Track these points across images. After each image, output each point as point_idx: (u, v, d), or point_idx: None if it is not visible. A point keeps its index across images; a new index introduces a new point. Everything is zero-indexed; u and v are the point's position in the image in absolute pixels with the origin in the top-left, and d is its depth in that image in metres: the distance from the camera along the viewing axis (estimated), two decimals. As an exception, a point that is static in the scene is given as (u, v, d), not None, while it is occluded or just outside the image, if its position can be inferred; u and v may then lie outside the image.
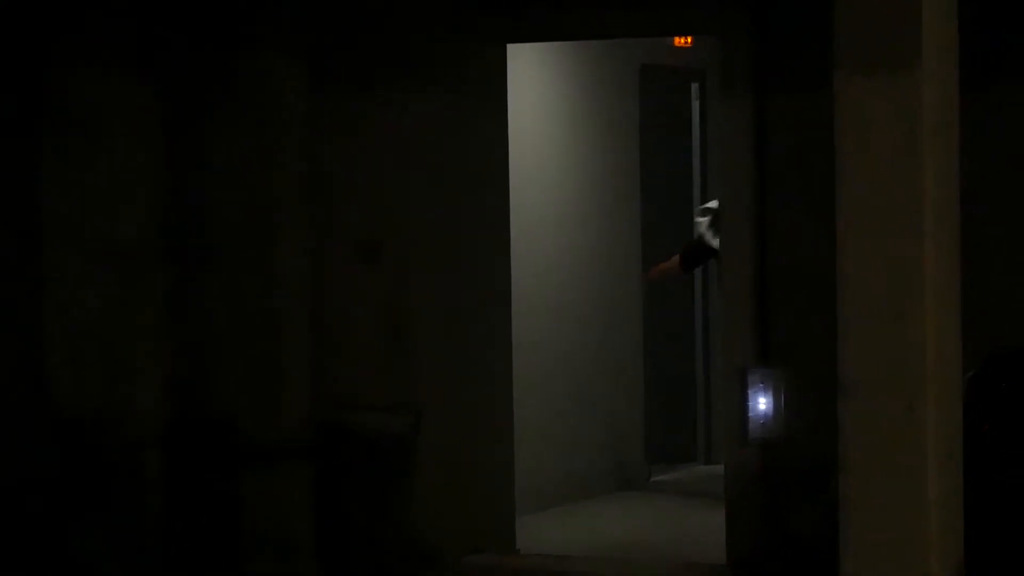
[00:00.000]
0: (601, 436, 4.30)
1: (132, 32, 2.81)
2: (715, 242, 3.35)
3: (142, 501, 2.85)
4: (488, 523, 3.07)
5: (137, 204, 2.87)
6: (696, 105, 4.88)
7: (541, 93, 3.95)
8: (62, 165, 2.83)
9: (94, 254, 2.83)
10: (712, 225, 3.50)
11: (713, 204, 3.57)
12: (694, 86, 4.88)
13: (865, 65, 1.69)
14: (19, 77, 2.80)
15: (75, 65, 2.82)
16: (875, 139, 1.65)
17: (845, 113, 1.71)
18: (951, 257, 1.69)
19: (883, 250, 1.64)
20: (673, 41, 4.51)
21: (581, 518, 3.95)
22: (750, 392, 2.56)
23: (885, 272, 1.63)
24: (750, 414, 2.54)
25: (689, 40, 4.45)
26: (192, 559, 2.83)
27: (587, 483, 4.18)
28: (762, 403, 2.54)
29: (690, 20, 3.20)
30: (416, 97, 2.89)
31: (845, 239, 1.67)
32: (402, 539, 2.92)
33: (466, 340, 3.02)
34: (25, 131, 2.83)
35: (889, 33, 1.64)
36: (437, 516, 2.97)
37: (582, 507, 4.10)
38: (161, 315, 2.87)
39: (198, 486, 2.88)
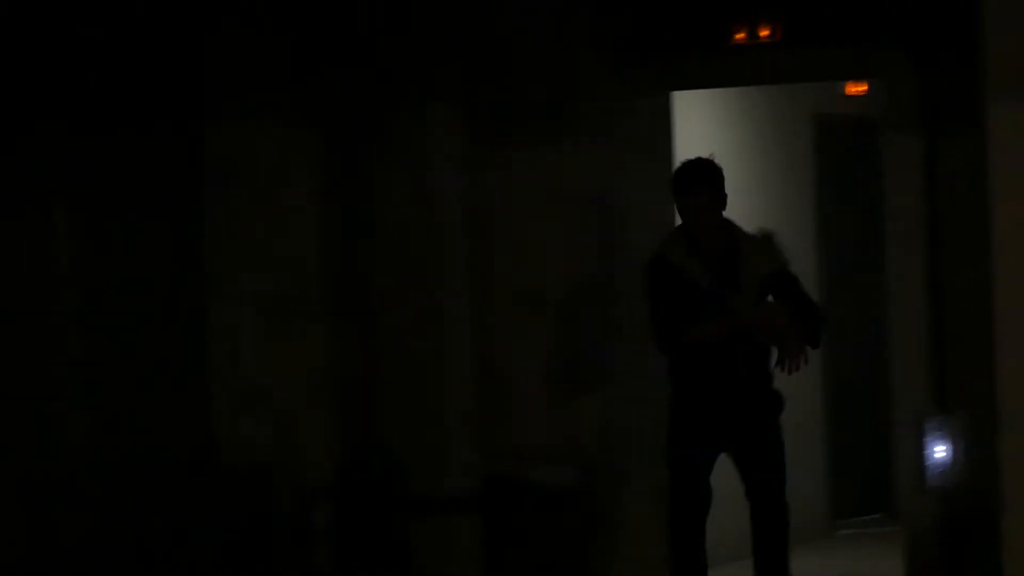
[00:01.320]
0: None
1: (291, 87, 2.98)
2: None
3: (310, 550, 3.00)
4: None
5: (299, 255, 3.02)
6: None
7: (711, 139, 3.97)
8: (226, 220, 2.97)
9: (258, 306, 2.97)
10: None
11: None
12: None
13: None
14: (186, 135, 2.97)
15: (238, 123, 2.96)
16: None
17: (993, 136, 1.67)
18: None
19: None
20: (845, 89, 4.45)
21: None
22: (927, 439, 2.44)
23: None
24: (927, 461, 2.42)
25: (863, 87, 4.37)
26: None
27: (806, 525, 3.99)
28: (939, 450, 2.41)
29: (853, 63, 3.17)
30: (574, 145, 3.03)
31: (996, 271, 1.62)
32: None
33: (635, 389, 3.11)
34: (189, 188, 2.99)
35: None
36: (607, 572, 3.03)
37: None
38: (325, 366, 3.02)
39: (366, 535, 3.01)
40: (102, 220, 2.97)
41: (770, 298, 2.37)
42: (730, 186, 4.15)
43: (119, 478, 2.91)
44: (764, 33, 3.19)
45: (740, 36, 3.17)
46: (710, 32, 3.10)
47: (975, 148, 2.14)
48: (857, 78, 3.81)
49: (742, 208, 4.37)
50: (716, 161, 2.41)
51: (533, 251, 3.08)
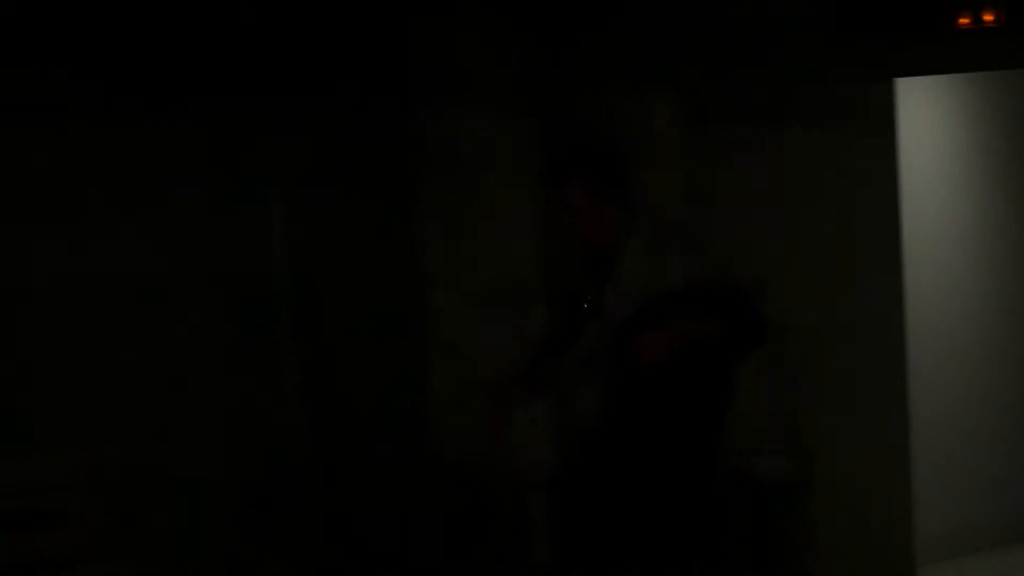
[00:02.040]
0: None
1: (511, 77, 3.00)
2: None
3: (524, 541, 2.94)
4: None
5: (514, 246, 3.03)
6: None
7: (937, 128, 3.96)
8: (443, 211, 2.99)
9: (475, 297, 2.97)
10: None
11: None
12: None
13: None
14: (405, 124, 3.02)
15: (454, 112, 2.97)
16: None
17: None
18: None
19: None
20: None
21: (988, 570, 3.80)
22: None
23: None
24: None
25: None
26: None
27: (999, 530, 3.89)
28: None
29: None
30: (798, 132, 2.96)
31: None
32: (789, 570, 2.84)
33: (860, 384, 2.94)
34: (407, 177, 3.01)
35: None
36: (829, 562, 2.86)
37: (988, 558, 3.91)
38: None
39: (576, 527, 2.96)
40: (322, 209, 3.07)
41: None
42: (950, 179, 4.09)
43: (340, 469, 2.96)
44: (988, 18, 3.12)
45: (964, 21, 3.09)
46: (934, 17, 3.01)
47: None
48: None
49: (965, 202, 4.30)
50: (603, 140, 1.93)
51: (755, 242, 2.98)
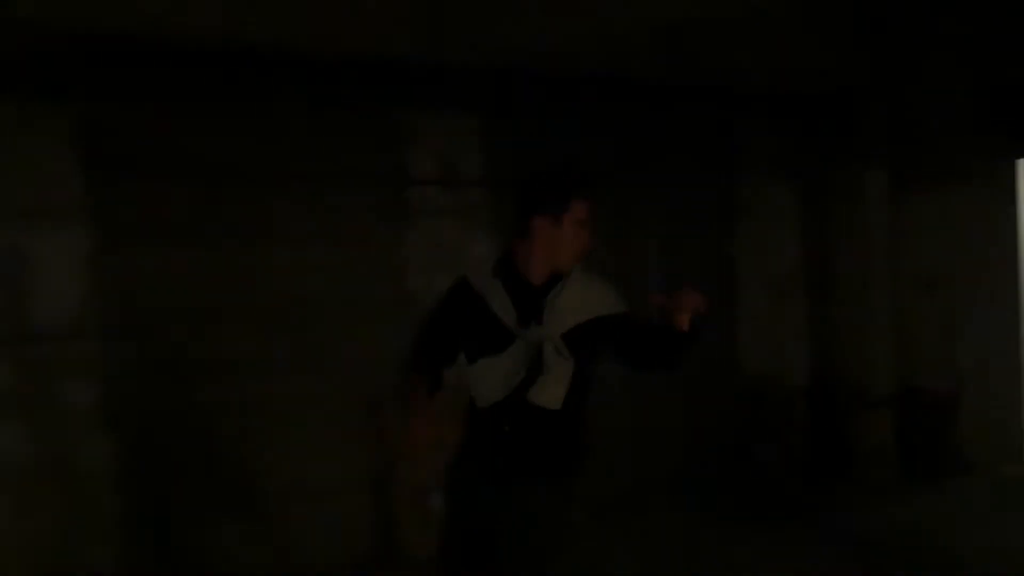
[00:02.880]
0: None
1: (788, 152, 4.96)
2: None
3: (790, 431, 5.00)
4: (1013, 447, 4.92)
5: (789, 248, 5.00)
6: None
7: None
8: (746, 242, 4.94)
9: (763, 285, 4.97)
10: None
11: None
12: None
13: None
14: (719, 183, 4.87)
15: (754, 176, 4.91)
16: None
17: None
18: None
19: None
20: None
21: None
22: None
23: None
24: None
25: None
26: (820, 470, 4.88)
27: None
28: None
29: None
30: (955, 196, 4.79)
31: None
32: (950, 456, 4.80)
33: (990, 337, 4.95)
34: (723, 221, 4.91)
35: None
36: (973, 443, 4.82)
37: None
38: (802, 323, 5.08)
39: (825, 422, 4.96)
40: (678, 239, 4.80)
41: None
42: None
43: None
44: None
45: None
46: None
47: None
48: None
49: None
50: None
51: (928, 256, 4.91)
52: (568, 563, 2.05)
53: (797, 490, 4.76)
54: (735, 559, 3.72)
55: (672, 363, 2.00)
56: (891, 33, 4.70)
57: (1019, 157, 4.95)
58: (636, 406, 4.35)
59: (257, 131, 3.52)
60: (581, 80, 4.09)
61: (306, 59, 3.42)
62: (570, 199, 1.99)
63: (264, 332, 3.52)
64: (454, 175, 4.08)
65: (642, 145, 4.54)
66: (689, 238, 4.78)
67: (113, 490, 3.28)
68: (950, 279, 4.87)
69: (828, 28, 4.58)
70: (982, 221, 4.93)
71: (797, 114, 4.95)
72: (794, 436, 5.00)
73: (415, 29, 3.40)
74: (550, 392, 1.96)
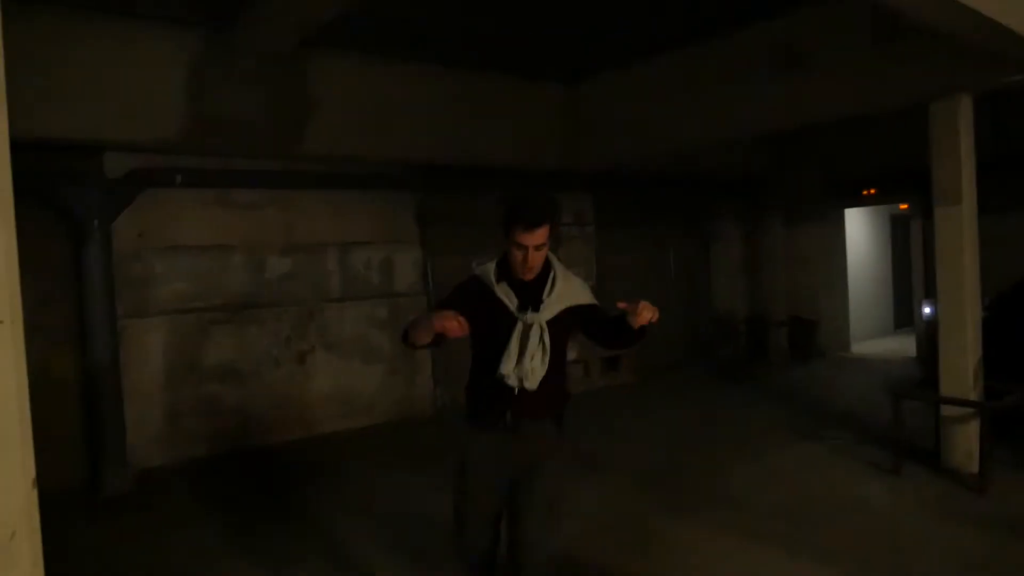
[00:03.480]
0: None
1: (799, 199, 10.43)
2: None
3: (737, 340, 10.36)
4: (842, 344, 10.23)
5: (736, 253, 10.42)
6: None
7: (856, 226, 11.12)
8: (719, 254, 10.44)
9: (724, 270, 10.38)
10: None
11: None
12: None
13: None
14: (700, 225, 10.49)
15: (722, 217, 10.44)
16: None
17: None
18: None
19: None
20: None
21: None
22: None
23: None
24: None
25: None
26: (752, 359, 10.22)
27: None
28: None
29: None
30: (813, 226, 10.10)
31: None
32: (813, 350, 10.11)
33: (833, 289, 10.23)
34: (704, 243, 10.44)
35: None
36: (824, 343, 10.15)
37: None
38: (743, 287, 10.44)
39: (754, 335, 10.30)
40: (685, 251, 10.30)
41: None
42: (865, 243, 11.37)
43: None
44: (870, 192, 10.27)
45: (868, 192, 10.23)
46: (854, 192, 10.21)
47: None
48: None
49: (869, 251, 11.72)
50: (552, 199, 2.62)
51: (797, 263, 10.27)
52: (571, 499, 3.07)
53: (740, 369, 10.02)
54: (711, 396, 8.88)
55: (626, 346, 2.69)
56: (780, 149, 9.99)
57: (845, 208, 10.31)
58: (670, 330, 9.71)
59: (492, 204, 8.72)
60: (642, 174, 9.37)
61: (508, 170, 8.56)
62: (511, 226, 2.53)
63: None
64: (580, 220, 9.35)
65: (669, 205, 9.87)
66: (690, 250, 10.15)
67: (430, 363, 8.44)
68: (814, 261, 10.16)
69: (752, 152, 9.86)
70: (828, 234, 10.26)
71: (740, 190, 10.28)
72: (739, 342, 10.34)
73: (563, 154, 8.60)
74: (536, 363, 2.54)
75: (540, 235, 2.53)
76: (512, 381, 2.55)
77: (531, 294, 2.62)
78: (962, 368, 5.07)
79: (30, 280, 5.85)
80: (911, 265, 10.23)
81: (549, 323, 2.57)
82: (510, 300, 2.59)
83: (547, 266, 2.68)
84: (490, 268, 2.67)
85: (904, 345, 10.70)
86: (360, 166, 7.05)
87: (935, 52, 4.78)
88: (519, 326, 2.56)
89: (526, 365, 2.54)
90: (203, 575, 4.02)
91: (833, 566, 3.82)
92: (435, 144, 6.70)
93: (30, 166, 5.24)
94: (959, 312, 5.10)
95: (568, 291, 2.64)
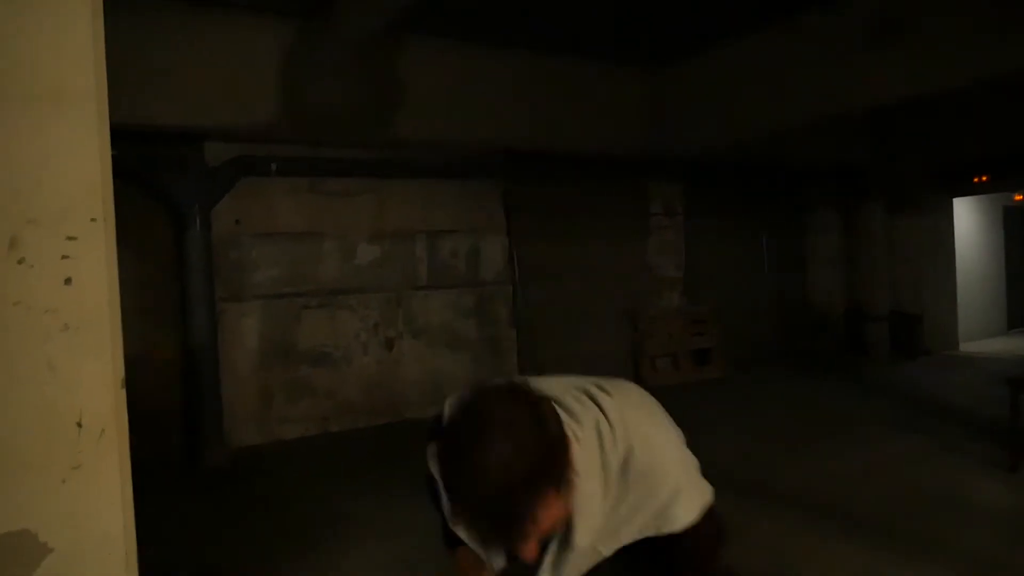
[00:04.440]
0: None
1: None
2: None
3: (836, 333, 9.92)
4: (950, 342, 9.66)
5: (835, 243, 9.98)
6: None
7: (966, 219, 10.47)
8: (814, 243, 10.05)
9: (821, 262, 9.97)
10: None
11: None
12: None
13: None
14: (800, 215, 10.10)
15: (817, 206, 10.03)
16: None
17: None
18: None
19: None
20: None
21: None
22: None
23: None
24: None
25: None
26: (851, 353, 9.75)
27: None
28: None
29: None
30: (917, 216, 9.56)
31: None
32: (918, 347, 9.56)
33: (940, 286, 9.66)
34: (799, 231, 10.05)
35: None
36: (930, 340, 9.57)
37: None
38: (841, 281, 9.99)
39: (854, 329, 9.84)
40: (782, 239, 9.95)
41: None
42: (975, 233, 10.81)
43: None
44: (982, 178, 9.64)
45: (980, 179, 9.62)
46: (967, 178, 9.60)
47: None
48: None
49: (978, 241, 11.02)
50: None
51: (914, 256, 9.70)
52: None
53: (839, 362, 9.57)
54: (806, 392, 8.53)
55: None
56: (883, 137, 9.50)
57: (953, 197, 9.70)
58: (761, 323, 9.38)
59: (579, 192, 8.59)
60: (734, 162, 9.09)
61: (596, 156, 8.42)
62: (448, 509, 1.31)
63: (581, 280, 8.58)
64: (671, 210, 9.14)
65: (763, 195, 9.55)
66: (785, 241, 9.80)
67: (515, 353, 8.33)
68: (919, 253, 9.62)
69: (854, 137, 9.42)
70: (935, 228, 9.68)
71: (839, 177, 9.83)
72: (836, 336, 9.88)
73: (652, 140, 8.41)
74: None
75: (531, 532, 1.22)
76: None
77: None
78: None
79: (135, 262, 6.06)
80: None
81: None
82: (485, 553, 1.48)
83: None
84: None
85: (1020, 345, 9.98)
86: (448, 154, 7.11)
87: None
88: None
89: None
90: (301, 542, 4.10)
91: (945, 567, 3.56)
92: (522, 129, 6.69)
93: (135, 153, 5.51)
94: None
95: (627, 523, 1.41)
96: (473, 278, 7.58)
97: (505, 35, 6.30)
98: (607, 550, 1.38)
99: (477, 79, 6.40)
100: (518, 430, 1.13)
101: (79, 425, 1.14)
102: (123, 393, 1.19)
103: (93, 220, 1.15)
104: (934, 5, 5.16)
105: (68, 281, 1.13)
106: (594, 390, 1.43)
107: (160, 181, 5.82)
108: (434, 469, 1.35)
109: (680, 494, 1.40)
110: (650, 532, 1.38)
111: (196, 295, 5.93)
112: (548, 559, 1.38)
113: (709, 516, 1.43)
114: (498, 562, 1.43)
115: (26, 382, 1.10)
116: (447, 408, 1.40)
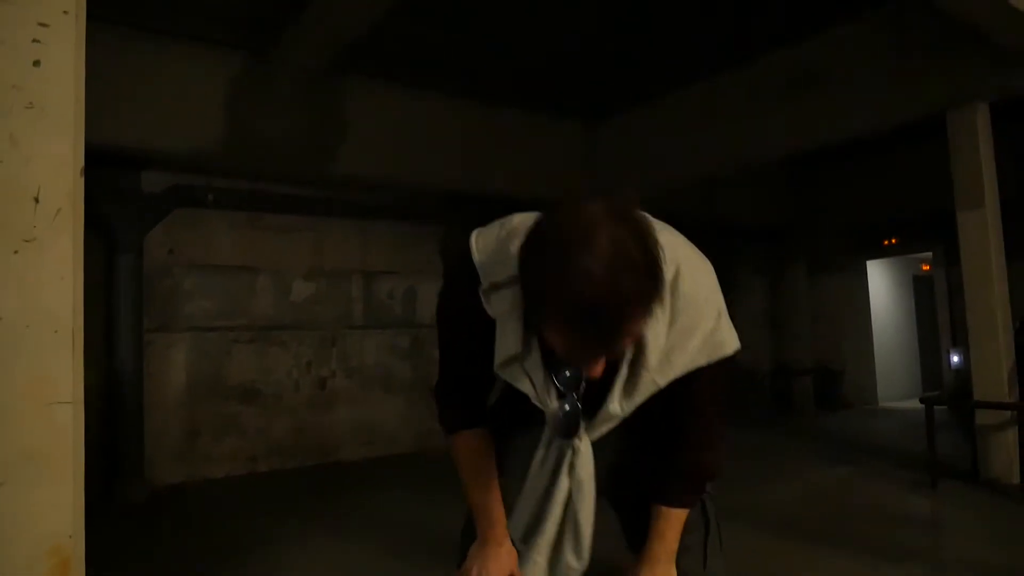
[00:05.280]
0: None
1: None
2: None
3: (763, 389, 10.17)
4: (868, 397, 10.03)
5: (759, 304, 10.38)
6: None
7: (878, 285, 11.07)
8: (735, 293, 10.40)
9: (749, 322, 10.30)
10: None
11: None
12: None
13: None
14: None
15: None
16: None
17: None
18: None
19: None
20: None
21: None
22: None
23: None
24: None
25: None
26: (778, 406, 10.00)
27: None
28: None
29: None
30: (836, 278, 10.08)
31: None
32: (838, 400, 9.88)
33: (857, 343, 10.08)
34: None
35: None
36: (849, 394, 9.91)
37: None
38: (766, 338, 10.34)
39: (780, 384, 10.12)
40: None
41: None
42: (887, 296, 11.41)
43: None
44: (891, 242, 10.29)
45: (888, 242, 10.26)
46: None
47: None
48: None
49: (891, 303, 11.65)
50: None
51: (825, 321, 10.18)
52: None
53: (767, 415, 9.80)
54: (742, 439, 8.70)
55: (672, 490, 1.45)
56: (806, 197, 10.09)
57: (867, 259, 10.31)
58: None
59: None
60: (662, 215, 9.49)
61: (529, 204, 8.77)
62: (539, 310, 1.15)
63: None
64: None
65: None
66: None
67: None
68: (839, 313, 10.08)
69: (774, 196, 9.97)
70: (851, 288, 10.21)
71: (762, 238, 10.33)
72: (765, 392, 10.15)
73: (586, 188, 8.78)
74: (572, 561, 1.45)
75: (621, 343, 1.17)
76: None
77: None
78: (996, 372, 4.95)
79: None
80: (937, 326, 10.13)
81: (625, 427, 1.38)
82: (542, 384, 1.34)
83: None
84: (506, 298, 1.28)
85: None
86: (386, 196, 7.23)
87: (950, 62, 4.92)
88: (544, 451, 1.42)
89: (530, 557, 1.44)
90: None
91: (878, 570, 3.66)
92: (458, 173, 6.88)
93: (71, 171, 5.44)
94: (990, 316, 5.03)
95: (679, 348, 1.32)
96: (410, 319, 7.58)
97: (447, 81, 6.56)
98: (663, 380, 1.31)
99: (418, 121, 6.60)
100: (631, 236, 1.07)
101: (36, 200, 1.14)
102: (82, 181, 1.20)
103: (65, 12, 1.19)
104: (844, 60, 5.66)
105: (37, 63, 1.16)
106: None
107: (94, 203, 5.72)
108: (507, 284, 1.25)
109: (723, 316, 1.36)
110: (702, 360, 1.32)
111: (123, 323, 5.77)
112: (619, 384, 1.31)
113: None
114: (551, 405, 1.34)
115: (-14, 152, 1.11)
116: (477, 241, 1.35)
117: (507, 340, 1.29)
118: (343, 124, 6.22)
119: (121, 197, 5.83)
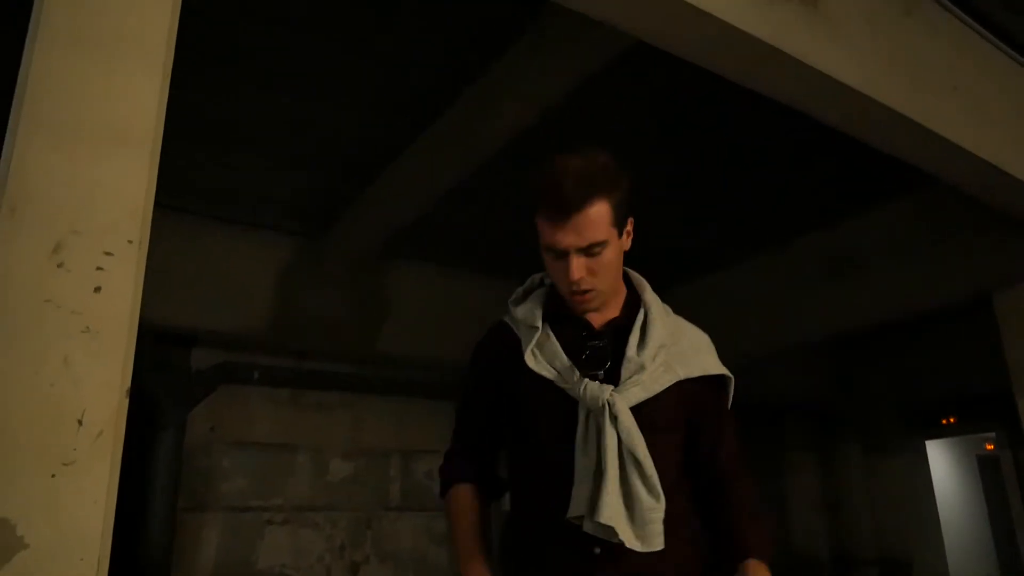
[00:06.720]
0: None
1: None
2: None
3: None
4: None
5: (814, 489, 9.84)
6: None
7: (940, 466, 10.52)
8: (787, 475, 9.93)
9: (802, 506, 9.76)
10: None
11: None
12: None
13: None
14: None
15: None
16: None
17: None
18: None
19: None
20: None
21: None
22: None
23: None
24: None
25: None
26: None
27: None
28: None
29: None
30: (894, 458, 9.62)
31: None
32: None
33: (924, 533, 9.43)
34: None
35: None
36: None
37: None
38: (823, 526, 9.72)
39: None
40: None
41: None
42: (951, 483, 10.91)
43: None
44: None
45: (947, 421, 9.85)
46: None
47: None
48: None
49: (954, 488, 11.03)
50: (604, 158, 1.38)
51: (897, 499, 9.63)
52: None
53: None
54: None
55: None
56: (855, 373, 9.87)
57: (925, 439, 9.87)
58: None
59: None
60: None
61: None
62: (536, 217, 1.49)
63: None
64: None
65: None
66: (762, 479, 9.67)
67: None
68: (900, 499, 9.51)
69: (821, 371, 9.77)
70: (911, 468, 9.70)
71: (812, 417, 10.02)
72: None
73: None
74: (641, 493, 1.43)
75: (585, 226, 1.34)
76: (595, 530, 1.38)
77: (601, 350, 1.47)
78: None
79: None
80: (1009, 507, 9.49)
81: (642, 410, 1.40)
82: (555, 360, 1.43)
83: (631, 296, 1.59)
84: (534, 305, 1.52)
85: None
86: (426, 373, 7.26)
87: (994, 243, 4.94)
88: (581, 415, 1.40)
89: (604, 500, 1.34)
90: None
91: None
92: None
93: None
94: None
95: (680, 343, 1.52)
96: (447, 501, 7.33)
97: (484, 262, 6.78)
98: (683, 371, 1.57)
99: (459, 301, 6.75)
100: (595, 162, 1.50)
101: (79, 423, 1.15)
102: (126, 402, 1.22)
103: (130, 242, 1.26)
104: (884, 243, 5.72)
105: (98, 289, 1.22)
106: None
107: (140, 378, 5.85)
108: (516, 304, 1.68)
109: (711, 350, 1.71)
110: (712, 364, 1.65)
111: (157, 500, 5.69)
112: (633, 339, 1.53)
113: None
114: (568, 374, 1.49)
115: (39, 373, 1.13)
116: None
117: (529, 321, 1.57)
118: (386, 303, 6.40)
119: (170, 374, 5.95)
